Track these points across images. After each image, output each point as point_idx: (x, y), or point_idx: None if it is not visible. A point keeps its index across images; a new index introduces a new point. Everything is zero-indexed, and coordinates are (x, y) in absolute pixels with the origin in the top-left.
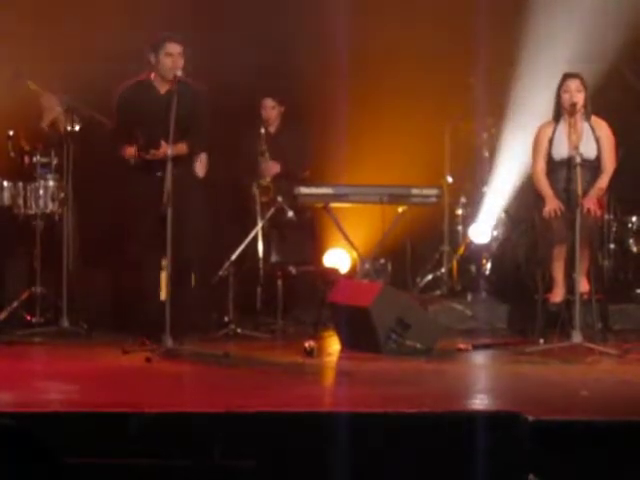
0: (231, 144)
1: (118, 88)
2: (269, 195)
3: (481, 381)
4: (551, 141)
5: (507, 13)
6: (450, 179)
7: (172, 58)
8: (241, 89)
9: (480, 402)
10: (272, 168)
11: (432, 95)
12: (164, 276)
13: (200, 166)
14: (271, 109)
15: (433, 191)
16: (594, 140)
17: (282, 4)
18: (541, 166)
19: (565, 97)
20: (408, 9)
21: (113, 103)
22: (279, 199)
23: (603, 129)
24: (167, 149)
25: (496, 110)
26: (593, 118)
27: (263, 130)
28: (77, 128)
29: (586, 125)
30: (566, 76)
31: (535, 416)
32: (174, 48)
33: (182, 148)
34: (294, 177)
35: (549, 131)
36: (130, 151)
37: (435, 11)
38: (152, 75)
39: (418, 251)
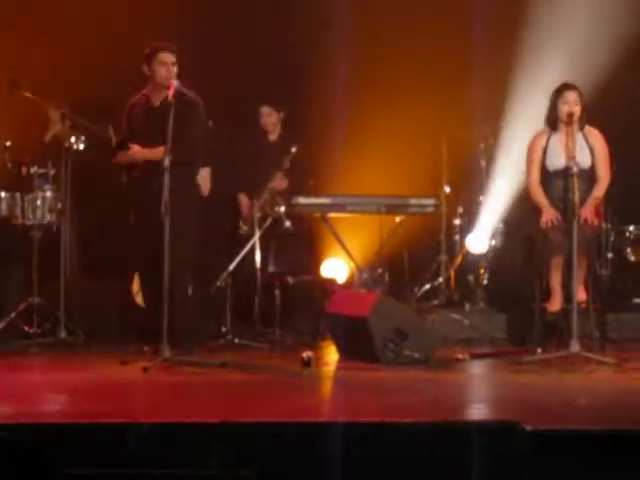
0: (229, 155)
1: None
2: (267, 206)
3: (479, 391)
4: (545, 151)
5: (504, 23)
6: (447, 189)
7: (165, 67)
8: (238, 98)
9: (478, 411)
10: (281, 184)
11: (429, 105)
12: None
13: (202, 183)
14: (268, 116)
15: (430, 201)
16: (588, 149)
17: (282, 11)
18: (535, 176)
19: (563, 108)
20: (406, 21)
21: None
22: (277, 209)
23: (596, 138)
24: (134, 151)
25: (493, 120)
26: (586, 127)
27: (271, 138)
28: (81, 147)
29: (580, 135)
30: (564, 87)
31: (533, 425)
32: (167, 57)
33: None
34: (300, 190)
35: (543, 141)
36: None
37: (433, 23)
38: (148, 87)
39: (416, 261)
